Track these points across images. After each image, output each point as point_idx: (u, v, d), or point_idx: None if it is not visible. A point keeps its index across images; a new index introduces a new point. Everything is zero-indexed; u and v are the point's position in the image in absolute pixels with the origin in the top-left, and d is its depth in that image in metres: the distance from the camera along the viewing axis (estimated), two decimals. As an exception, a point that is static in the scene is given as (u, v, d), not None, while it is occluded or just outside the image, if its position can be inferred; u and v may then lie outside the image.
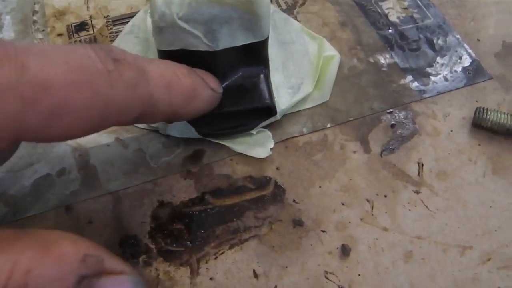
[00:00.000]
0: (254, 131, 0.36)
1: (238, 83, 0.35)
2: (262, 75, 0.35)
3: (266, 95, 0.35)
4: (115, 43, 0.41)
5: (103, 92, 0.24)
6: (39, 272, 0.20)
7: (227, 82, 0.35)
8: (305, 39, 0.40)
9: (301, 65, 0.38)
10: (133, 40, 0.40)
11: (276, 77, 0.37)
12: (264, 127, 0.36)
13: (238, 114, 0.35)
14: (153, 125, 0.37)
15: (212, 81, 0.32)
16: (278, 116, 0.36)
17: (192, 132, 0.35)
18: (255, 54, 0.35)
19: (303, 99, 0.38)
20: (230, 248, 0.33)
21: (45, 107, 0.22)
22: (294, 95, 0.37)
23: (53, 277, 0.20)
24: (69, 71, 0.23)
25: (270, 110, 0.35)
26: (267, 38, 0.34)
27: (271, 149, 0.36)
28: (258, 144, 0.36)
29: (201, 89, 0.31)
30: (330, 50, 0.40)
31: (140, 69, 0.26)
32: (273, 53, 0.37)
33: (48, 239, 0.22)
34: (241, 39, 0.33)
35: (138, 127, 0.38)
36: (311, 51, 0.39)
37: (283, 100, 0.36)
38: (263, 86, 0.35)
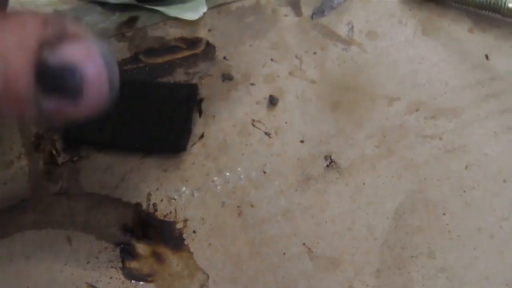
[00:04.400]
0: (187, -4, 0.37)
1: None
2: None
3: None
4: None
5: None
6: None
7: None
8: None
9: None
10: None
11: None
12: (197, -6, 0.37)
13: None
14: None
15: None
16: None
17: (126, -4, 0.36)
18: None
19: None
20: (160, 100, 0.34)
21: None
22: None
23: (13, 45, 0.18)
24: None
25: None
26: None
27: (204, 13, 0.36)
28: (191, 9, 0.36)
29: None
30: None
31: None
32: None
33: (5, 13, 0.20)
34: None
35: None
36: None
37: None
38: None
